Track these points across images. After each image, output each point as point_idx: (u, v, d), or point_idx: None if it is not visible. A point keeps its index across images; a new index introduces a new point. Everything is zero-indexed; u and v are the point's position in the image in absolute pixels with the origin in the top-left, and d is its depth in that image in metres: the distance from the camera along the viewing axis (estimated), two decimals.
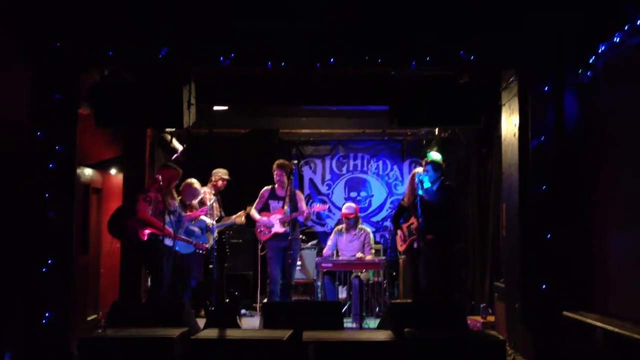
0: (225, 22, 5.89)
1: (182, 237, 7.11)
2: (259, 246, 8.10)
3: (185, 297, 7.18)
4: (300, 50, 5.97)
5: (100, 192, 7.86)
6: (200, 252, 7.36)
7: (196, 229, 7.45)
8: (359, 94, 7.36)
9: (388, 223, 10.00)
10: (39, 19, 5.71)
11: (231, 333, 5.37)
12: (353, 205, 8.56)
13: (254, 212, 7.90)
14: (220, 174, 8.41)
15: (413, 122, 6.74)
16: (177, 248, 7.07)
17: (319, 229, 10.22)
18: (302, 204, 7.94)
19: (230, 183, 8.59)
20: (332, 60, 5.95)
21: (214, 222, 7.81)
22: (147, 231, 6.74)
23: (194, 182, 7.72)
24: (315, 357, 4.93)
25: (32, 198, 5.65)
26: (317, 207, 8.55)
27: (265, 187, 8.00)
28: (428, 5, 5.94)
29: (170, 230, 6.87)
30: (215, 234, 7.64)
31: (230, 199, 8.52)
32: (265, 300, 7.68)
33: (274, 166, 7.92)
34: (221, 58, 5.89)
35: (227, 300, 6.52)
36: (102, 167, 7.73)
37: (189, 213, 7.48)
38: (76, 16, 5.77)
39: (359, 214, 8.86)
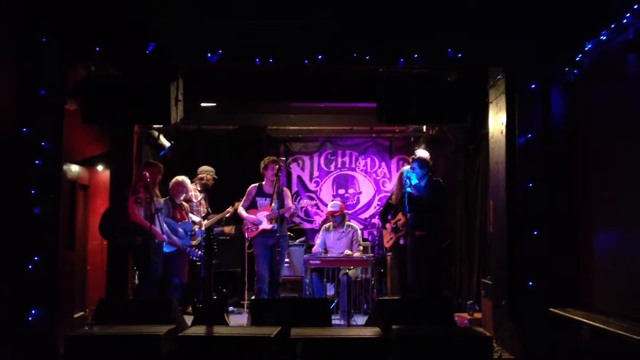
0: (213, 19, 5.88)
1: (173, 239, 7.11)
2: (247, 244, 8.06)
3: (175, 295, 7.16)
4: (288, 47, 5.96)
5: (87, 188, 7.81)
6: (194, 258, 7.35)
7: (180, 230, 7.43)
8: (348, 91, 7.39)
9: (376, 220, 10.02)
10: (24, 14, 5.66)
11: (219, 330, 5.36)
12: (338, 202, 8.56)
13: (241, 210, 7.88)
14: (212, 172, 8.41)
15: (401, 119, 6.78)
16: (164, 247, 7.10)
17: (306, 226, 10.21)
18: (289, 201, 7.93)
19: (217, 180, 8.59)
20: (320, 57, 5.94)
21: (201, 220, 7.78)
22: (139, 237, 6.79)
23: (184, 179, 7.72)
24: (304, 353, 4.94)
25: (18, 195, 5.61)
26: (304, 202, 8.54)
27: (253, 185, 7.97)
28: (416, 3, 5.95)
29: (164, 236, 6.90)
30: (203, 229, 7.64)
31: (218, 196, 8.51)
32: (252, 297, 7.67)
33: (267, 160, 7.86)
34: (209, 54, 5.88)
35: (215, 297, 6.50)
36: (88, 163, 7.68)
37: (177, 214, 7.49)
38: (62, 11, 5.73)
39: (347, 211, 8.89)
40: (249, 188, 7.96)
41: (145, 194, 6.88)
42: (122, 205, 6.97)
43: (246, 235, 7.93)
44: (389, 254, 8.59)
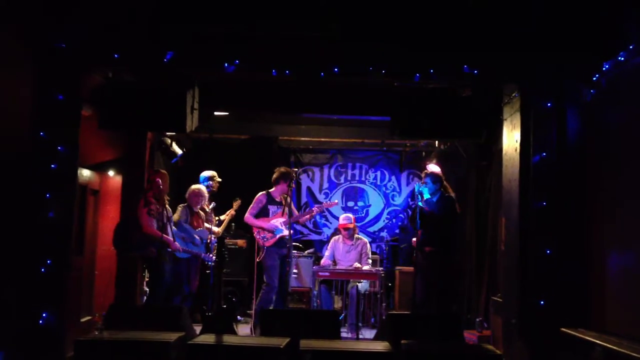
0: (231, 29, 5.91)
1: (186, 249, 7.14)
2: (262, 252, 7.87)
3: (186, 304, 7.15)
4: (305, 59, 5.99)
5: (98, 193, 7.82)
6: (209, 263, 7.35)
7: (197, 237, 7.44)
8: (361, 104, 7.39)
9: (384, 233, 10.02)
10: (43, 19, 5.71)
11: (228, 339, 5.35)
12: (350, 215, 8.53)
13: (251, 218, 7.81)
14: (216, 177, 8.31)
15: (414, 133, 6.78)
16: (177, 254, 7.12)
17: (315, 237, 10.21)
18: (294, 208, 7.95)
19: (228, 189, 8.56)
20: (336, 69, 5.97)
21: (215, 230, 7.75)
22: (153, 248, 6.83)
23: (202, 187, 7.74)
24: None
25: (33, 198, 5.63)
26: (327, 203, 8.50)
27: (261, 193, 7.89)
28: (433, 20, 5.98)
29: (178, 245, 6.92)
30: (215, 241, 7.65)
31: (228, 205, 8.49)
32: (254, 307, 7.64)
33: (284, 170, 7.88)
34: (226, 64, 5.91)
35: (225, 306, 6.49)
36: (100, 168, 7.69)
37: (194, 221, 7.49)
38: (81, 18, 5.78)
39: (356, 224, 8.88)
40: (258, 196, 7.88)
41: (157, 204, 6.92)
42: (134, 218, 7.00)
43: (261, 244, 7.79)
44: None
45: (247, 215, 7.83)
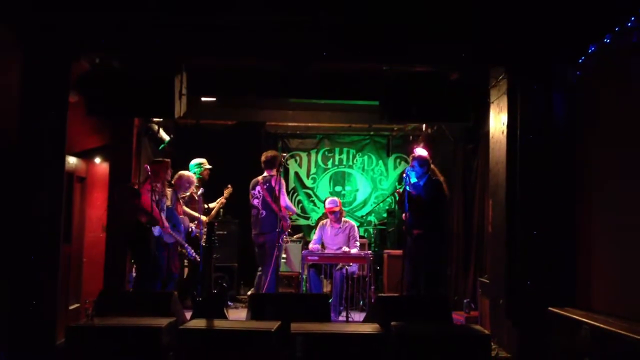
0: (219, 14, 5.87)
1: (174, 233, 7.13)
2: (282, 237, 7.81)
3: (168, 287, 7.15)
4: (293, 44, 5.97)
5: (84, 181, 7.77)
6: (192, 257, 7.32)
7: (181, 225, 7.43)
8: (349, 89, 7.38)
9: (372, 217, 10.07)
10: (30, 6, 5.64)
11: (220, 323, 5.37)
12: (336, 199, 8.48)
13: (290, 202, 7.69)
14: (206, 164, 8.29)
15: (403, 117, 6.82)
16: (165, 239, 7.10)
17: (303, 222, 10.24)
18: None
19: (215, 175, 8.54)
20: (324, 54, 5.97)
21: (203, 219, 7.76)
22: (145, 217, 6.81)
23: (190, 174, 7.71)
24: (304, 348, 4.96)
25: (21, 187, 5.59)
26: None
27: (278, 176, 7.71)
28: (419, 3, 5.97)
29: (168, 225, 6.92)
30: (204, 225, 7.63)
31: (217, 191, 8.49)
32: (250, 292, 7.67)
33: (276, 152, 7.87)
34: (214, 49, 5.88)
35: (215, 291, 6.50)
36: (86, 155, 7.64)
37: (178, 207, 7.46)
38: (68, 4, 5.71)
39: (344, 208, 8.90)
40: (282, 179, 7.69)
41: (162, 187, 6.91)
42: (133, 189, 6.98)
43: (285, 228, 7.75)
44: None
45: (285, 200, 7.64)
